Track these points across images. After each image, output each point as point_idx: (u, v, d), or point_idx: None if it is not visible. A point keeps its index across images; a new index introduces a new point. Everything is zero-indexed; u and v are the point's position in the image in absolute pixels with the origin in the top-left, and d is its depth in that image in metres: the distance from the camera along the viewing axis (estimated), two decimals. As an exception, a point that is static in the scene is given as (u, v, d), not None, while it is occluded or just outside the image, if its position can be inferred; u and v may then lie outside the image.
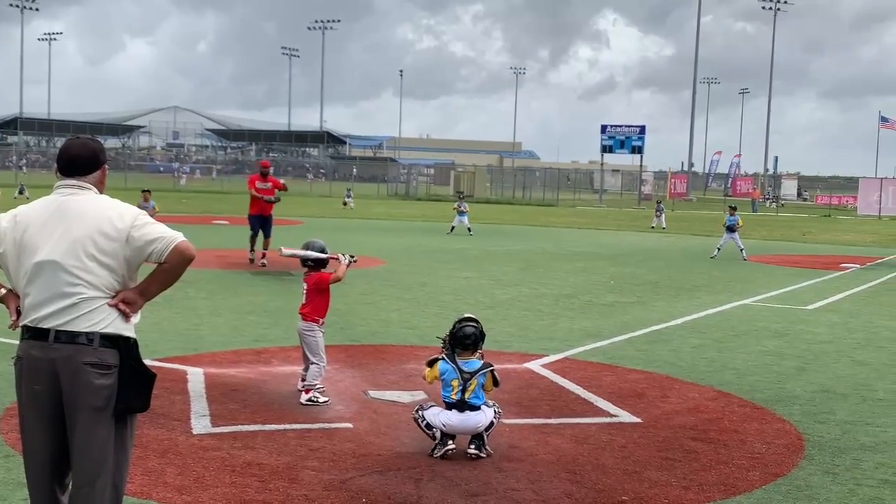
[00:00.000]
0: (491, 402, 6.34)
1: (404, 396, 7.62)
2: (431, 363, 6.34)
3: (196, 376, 8.06)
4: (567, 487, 5.56)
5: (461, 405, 6.15)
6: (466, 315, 6.52)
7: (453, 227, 29.26)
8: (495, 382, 6.32)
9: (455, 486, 5.51)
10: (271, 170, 19.10)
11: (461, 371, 6.20)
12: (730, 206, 25.37)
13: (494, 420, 6.26)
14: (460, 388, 6.17)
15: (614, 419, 7.20)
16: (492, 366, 6.32)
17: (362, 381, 8.14)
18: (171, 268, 3.81)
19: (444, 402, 6.22)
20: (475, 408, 6.17)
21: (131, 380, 3.77)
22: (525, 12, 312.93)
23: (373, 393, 7.72)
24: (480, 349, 6.38)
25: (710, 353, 10.10)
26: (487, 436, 6.23)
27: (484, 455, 6.13)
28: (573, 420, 7.13)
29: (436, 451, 6.12)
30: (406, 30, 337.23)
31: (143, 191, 22.08)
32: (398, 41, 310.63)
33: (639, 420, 7.17)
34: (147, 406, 3.87)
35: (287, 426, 6.63)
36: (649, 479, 5.75)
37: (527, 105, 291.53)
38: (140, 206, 20.90)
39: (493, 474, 5.74)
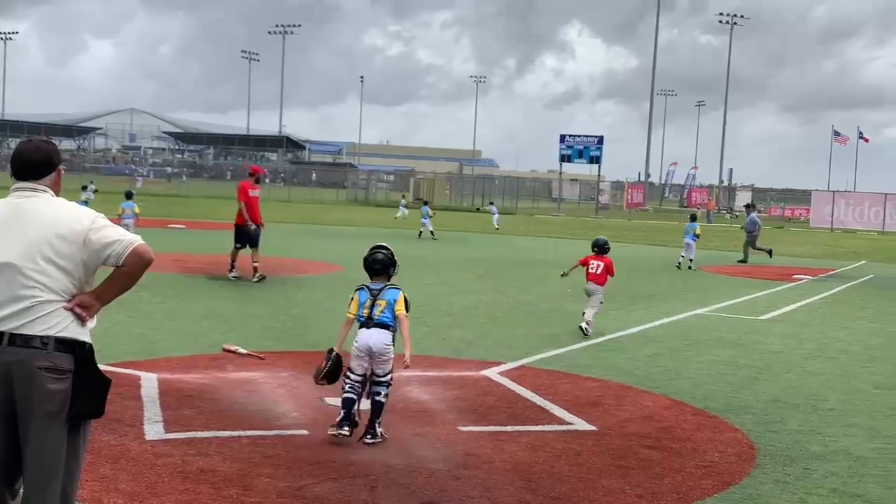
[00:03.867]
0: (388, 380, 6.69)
1: (361, 403, 7.58)
2: (350, 302, 6.80)
3: (150, 382, 7.98)
4: (522, 495, 5.58)
5: (369, 322, 6.63)
6: (378, 243, 7.04)
7: (421, 233, 29.92)
8: (406, 306, 6.76)
9: (410, 493, 5.51)
10: (266, 177, 18.45)
11: (370, 290, 6.72)
12: (691, 216, 25.77)
13: (384, 398, 6.62)
14: (372, 306, 6.64)
15: (570, 427, 7.24)
16: (398, 286, 6.79)
17: (319, 388, 8.08)
18: (130, 271, 3.78)
19: (359, 323, 6.70)
20: (383, 326, 6.62)
21: (86, 385, 3.73)
22: (493, 21, 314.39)
23: (329, 400, 7.68)
24: (393, 275, 6.87)
25: (665, 362, 10.20)
26: (379, 423, 6.57)
27: (380, 440, 6.48)
28: (529, 428, 7.16)
29: (330, 429, 6.54)
30: (373, 35, 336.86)
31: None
32: (365, 47, 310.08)
33: (594, 428, 7.22)
34: (102, 412, 3.83)
35: (241, 433, 6.58)
36: (604, 487, 5.79)
37: (491, 113, 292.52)
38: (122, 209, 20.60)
39: (448, 482, 5.75)
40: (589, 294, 12.17)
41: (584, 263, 12.42)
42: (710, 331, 12.70)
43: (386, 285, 6.77)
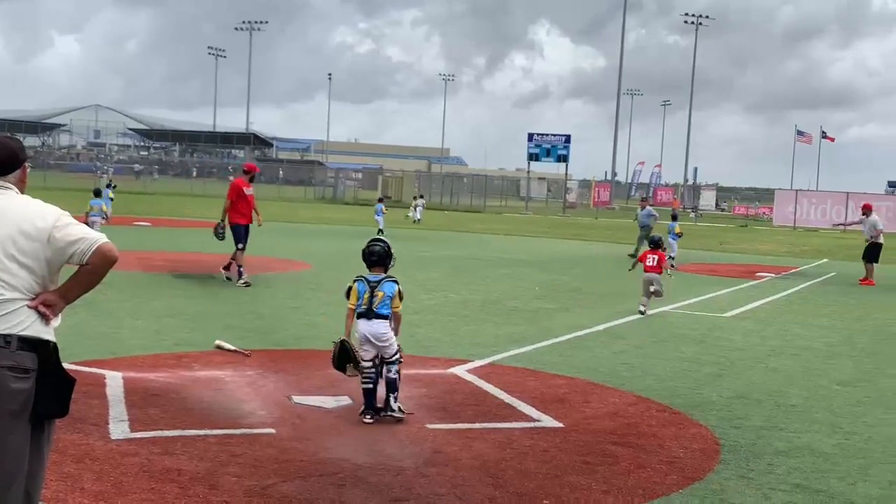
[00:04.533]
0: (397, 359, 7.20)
1: (328, 401, 7.58)
2: (348, 292, 7.22)
3: (115, 380, 7.91)
4: (490, 492, 5.60)
5: (369, 313, 7.10)
6: (375, 236, 7.69)
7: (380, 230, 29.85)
8: (400, 296, 7.26)
9: (378, 491, 5.51)
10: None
11: (369, 282, 7.17)
12: (672, 215, 25.98)
13: (395, 374, 7.17)
14: (369, 298, 7.10)
15: (537, 424, 7.28)
16: (395, 279, 7.27)
17: (286, 386, 8.08)
18: (94, 270, 3.75)
19: (357, 313, 7.15)
20: (382, 317, 7.12)
21: (50, 384, 3.69)
22: (463, 19, 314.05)
23: (296, 398, 7.67)
24: (390, 266, 7.35)
25: (631, 359, 10.28)
26: (396, 398, 7.13)
27: (399, 415, 7.05)
28: (497, 425, 7.19)
29: (364, 417, 7.03)
30: (342, 33, 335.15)
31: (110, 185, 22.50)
32: (334, 44, 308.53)
33: (561, 425, 7.27)
34: (66, 412, 3.79)
35: (208, 431, 6.55)
36: (570, 484, 5.83)
37: (460, 112, 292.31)
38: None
39: (416, 479, 5.76)
40: (649, 283, 14.09)
41: (643, 259, 14.60)
42: (674, 328, 12.82)
43: (384, 277, 7.24)
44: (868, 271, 21.56)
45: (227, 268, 15.54)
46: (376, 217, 31.96)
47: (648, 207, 27.05)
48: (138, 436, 6.35)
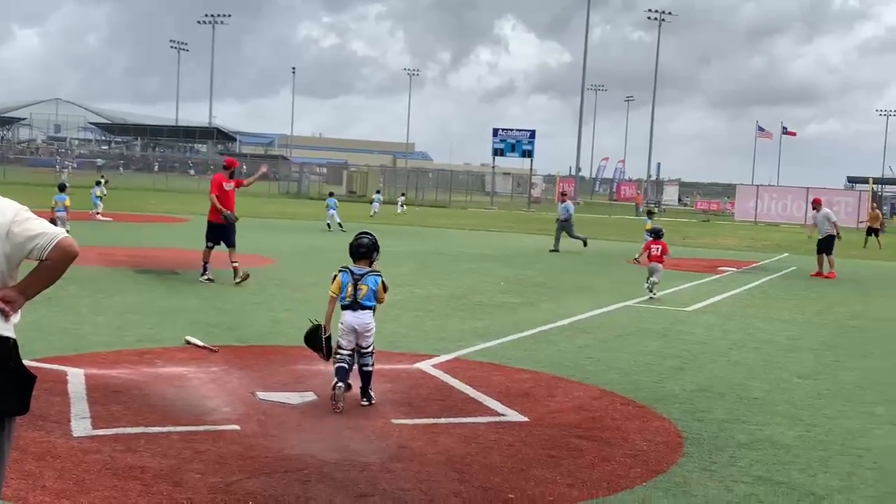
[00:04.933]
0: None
1: (293, 397, 7.55)
2: (333, 280, 7.50)
3: (76, 377, 7.82)
4: (455, 486, 5.61)
5: (354, 305, 7.39)
6: (363, 230, 7.87)
7: (329, 224, 30.12)
8: (385, 287, 7.60)
9: (343, 487, 5.50)
10: (243, 168, 16.86)
11: (353, 273, 7.43)
12: (648, 211, 26.12)
13: (371, 367, 7.50)
14: (354, 290, 7.38)
15: (502, 418, 7.30)
16: (379, 272, 7.57)
17: (250, 383, 8.04)
18: (54, 265, 3.70)
19: (342, 305, 7.42)
20: (367, 308, 7.44)
21: (10, 381, 3.64)
22: (429, 14, 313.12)
23: (261, 394, 7.63)
24: (375, 260, 7.62)
25: (595, 353, 10.34)
26: (371, 388, 7.47)
27: (368, 404, 7.35)
28: (462, 419, 7.20)
29: (336, 394, 7.20)
30: (307, 27, 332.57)
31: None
32: (299, 38, 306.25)
33: (526, 419, 7.29)
34: (26, 409, 3.74)
35: (171, 428, 6.50)
36: (535, 477, 5.86)
37: (426, 107, 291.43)
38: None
39: (381, 475, 5.76)
40: (652, 271, 15.86)
41: (647, 248, 16.28)
42: (638, 322, 12.91)
43: (368, 271, 7.53)
44: (829, 263, 21.81)
45: (235, 276, 14.78)
46: (330, 212, 30.85)
47: (568, 202, 27.43)
48: (101, 433, 6.28)
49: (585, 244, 26.26)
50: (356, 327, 7.40)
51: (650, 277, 15.73)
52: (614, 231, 39.09)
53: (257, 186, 50.57)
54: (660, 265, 15.90)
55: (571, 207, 27.37)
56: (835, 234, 22.05)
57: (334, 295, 7.53)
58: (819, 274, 21.67)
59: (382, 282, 7.58)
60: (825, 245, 22.02)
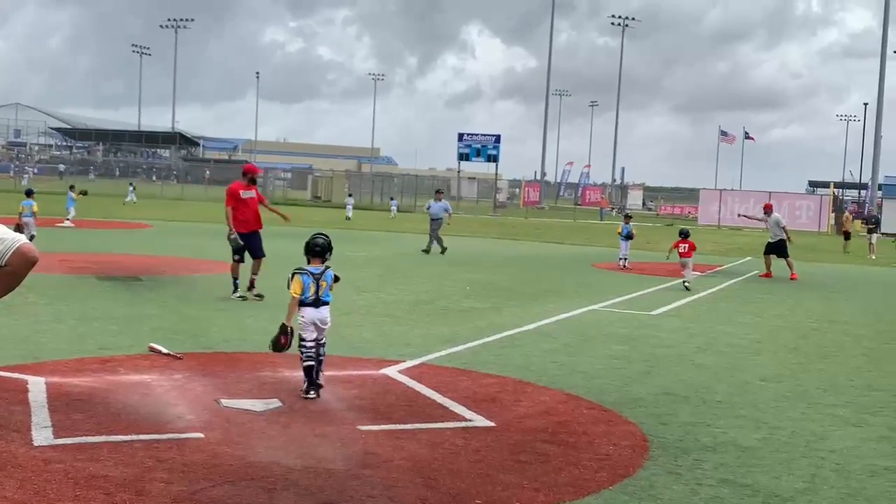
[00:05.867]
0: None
1: (258, 405, 7.49)
2: (290, 283, 7.95)
3: (37, 386, 7.70)
4: (422, 493, 5.59)
5: (316, 302, 7.93)
6: (317, 232, 8.40)
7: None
8: (336, 279, 8.17)
9: (309, 494, 5.46)
10: (260, 176, 14.60)
11: (313, 275, 7.97)
12: (625, 215, 26.25)
13: (324, 355, 8.01)
14: (315, 287, 7.90)
15: (469, 423, 7.29)
16: (329, 266, 8.13)
17: (214, 390, 7.96)
18: (14, 271, 3.65)
19: (303, 302, 7.89)
20: (325, 303, 7.99)
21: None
22: (395, 19, 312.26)
23: (225, 401, 7.56)
24: (328, 259, 8.15)
25: (561, 358, 10.37)
26: (322, 371, 7.97)
27: (316, 394, 7.80)
28: (429, 425, 7.18)
29: (308, 394, 7.77)
30: (272, 31, 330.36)
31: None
32: (264, 43, 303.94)
33: (492, 424, 7.29)
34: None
35: (134, 437, 6.41)
36: (502, 482, 5.85)
37: (392, 112, 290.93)
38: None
39: (348, 482, 5.72)
40: (684, 266, 19.06)
41: (676, 246, 19.44)
42: (603, 326, 12.97)
43: (325, 268, 8.07)
44: (789, 265, 22.62)
45: (250, 288, 14.03)
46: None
47: (443, 201, 27.19)
48: (62, 442, 6.19)
49: (443, 251, 25.23)
50: (317, 322, 7.93)
51: (685, 272, 18.93)
52: (579, 235, 39.30)
53: (221, 192, 50.38)
54: (689, 259, 19.07)
55: (445, 206, 26.81)
56: (785, 238, 22.84)
57: (297, 296, 7.90)
58: (767, 275, 22.59)
59: (335, 275, 8.17)
60: (776, 248, 22.97)
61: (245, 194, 14.20)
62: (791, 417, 8.09)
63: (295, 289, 7.90)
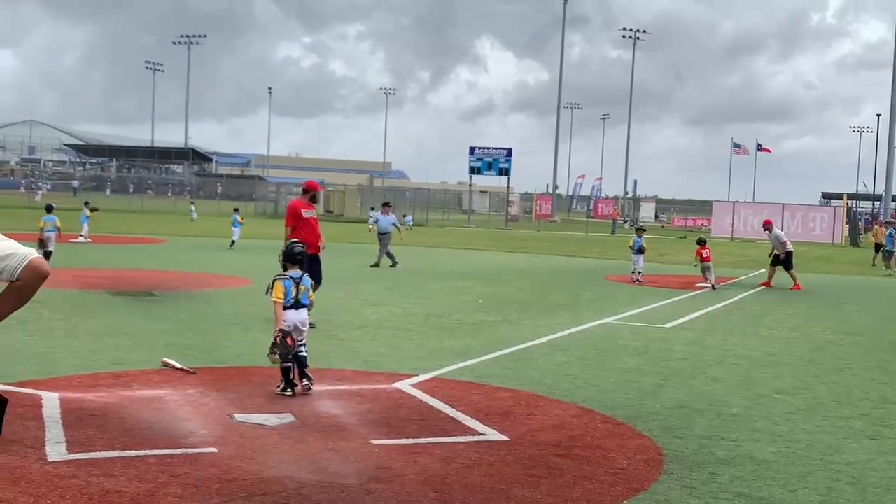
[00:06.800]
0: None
1: (271, 419, 7.49)
2: (270, 287, 8.56)
3: (51, 401, 7.72)
4: (435, 507, 5.56)
5: (296, 304, 8.56)
6: (293, 241, 9.32)
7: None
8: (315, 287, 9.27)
9: (323, 509, 5.44)
10: (321, 194, 14.14)
11: (293, 279, 8.61)
12: (637, 228, 26.18)
13: (306, 352, 8.60)
14: (295, 291, 8.55)
15: (482, 437, 7.27)
16: (307, 274, 8.80)
17: (228, 404, 7.97)
18: (25, 285, 3.66)
19: (284, 305, 8.49)
20: (304, 305, 8.65)
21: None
22: (408, 34, 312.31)
23: (238, 416, 7.56)
24: (304, 263, 8.88)
25: (574, 371, 10.33)
26: (306, 369, 8.51)
27: (309, 384, 8.42)
28: (442, 439, 7.16)
29: (279, 388, 8.37)
30: (286, 47, 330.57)
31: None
32: (278, 58, 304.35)
33: (506, 438, 7.26)
34: (-2, 433, 3.69)
35: (148, 452, 6.42)
36: (516, 497, 5.82)
37: (404, 126, 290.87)
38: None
39: (361, 496, 5.71)
40: (707, 269, 22.02)
41: (699, 254, 22.31)
42: (616, 339, 12.93)
43: (302, 274, 8.72)
44: (792, 277, 23.04)
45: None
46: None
47: (391, 214, 26.83)
48: (76, 457, 6.19)
49: (394, 264, 24.76)
50: (298, 324, 8.53)
51: (708, 275, 21.88)
52: (592, 248, 39.25)
53: (232, 207, 50.66)
54: (711, 264, 22.16)
55: (393, 220, 26.48)
56: (788, 251, 23.29)
57: (280, 300, 8.50)
58: (766, 284, 23.15)
59: (312, 282, 8.98)
60: (779, 260, 23.41)
61: (306, 213, 13.18)
62: (806, 430, 8.03)
63: (276, 294, 8.52)
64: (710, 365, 11.21)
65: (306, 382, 8.45)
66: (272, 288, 8.56)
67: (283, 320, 8.42)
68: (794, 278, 22.98)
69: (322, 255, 13.13)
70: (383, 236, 25.54)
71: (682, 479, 6.38)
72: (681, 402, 8.91)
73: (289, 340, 8.35)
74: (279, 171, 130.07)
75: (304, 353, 8.54)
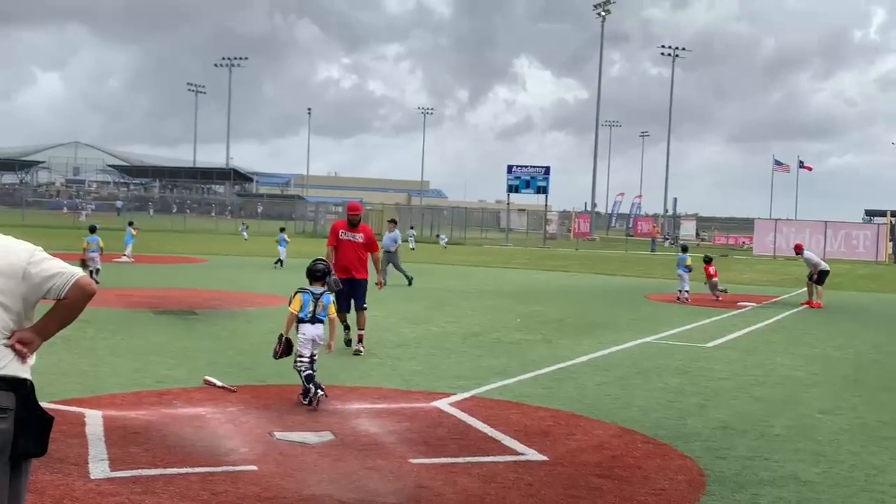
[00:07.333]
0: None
1: (310, 437, 7.52)
2: (291, 300, 8.98)
3: (94, 419, 7.82)
4: (474, 527, 5.55)
5: (313, 319, 8.90)
6: (317, 258, 9.62)
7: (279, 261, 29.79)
8: (335, 303, 9.46)
9: (362, 527, 5.45)
10: (360, 216, 12.71)
11: (314, 294, 8.99)
12: (683, 247, 26.04)
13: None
14: (314, 306, 8.91)
15: (521, 457, 7.24)
16: (328, 292, 9.19)
17: (268, 422, 8.02)
18: (72, 304, 3.71)
19: (301, 318, 8.89)
20: (320, 321, 8.96)
21: (28, 423, 3.64)
22: (447, 53, 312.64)
23: (278, 434, 7.60)
24: (327, 281, 9.28)
25: (614, 391, 10.26)
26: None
27: (308, 404, 8.63)
28: (481, 459, 7.14)
29: (305, 399, 8.67)
30: (326, 68, 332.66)
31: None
32: (318, 79, 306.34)
33: (545, 458, 7.23)
34: (45, 451, 3.74)
35: (189, 470, 6.47)
36: (556, 517, 5.78)
37: (442, 145, 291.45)
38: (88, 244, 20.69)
39: (400, 515, 5.70)
40: (715, 284, 23.20)
41: (707, 270, 23.18)
42: (657, 359, 12.82)
43: (323, 290, 9.08)
44: (817, 294, 22.79)
45: (359, 340, 12.28)
46: (280, 248, 30.71)
47: (395, 231, 25.61)
48: (119, 475, 6.27)
49: (410, 283, 24.06)
50: (315, 338, 8.88)
51: (716, 289, 23.16)
52: (631, 266, 39.00)
53: (273, 226, 51.14)
54: (716, 280, 23.40)
55: (399, 237, 25.68)
56: (823, 270, 22.98)
57: (295, 312, 8.90)
58: (809, 303, 22.74)
59: (333, 300, 9.27)
60: (818, 277, 23.08)
61: (344, 235, 12.38)
62: (851, 451, 7.90)
63: (294, 306, 8.92)
64: (752, 384, 11.08)
65: (306, 401, 8.74)
66: (292, 299, 9.00)
67: (302, 334, 8.85)
68: (819, 295, 22.65)
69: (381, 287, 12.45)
70: (386, 254, 24.93)
71: (724, 499, 6.30)
72: (723, 423, 8.81)
73: (276, 348, 8.89)
74: (318, 191, 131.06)
75: (314, 371, 8.85)
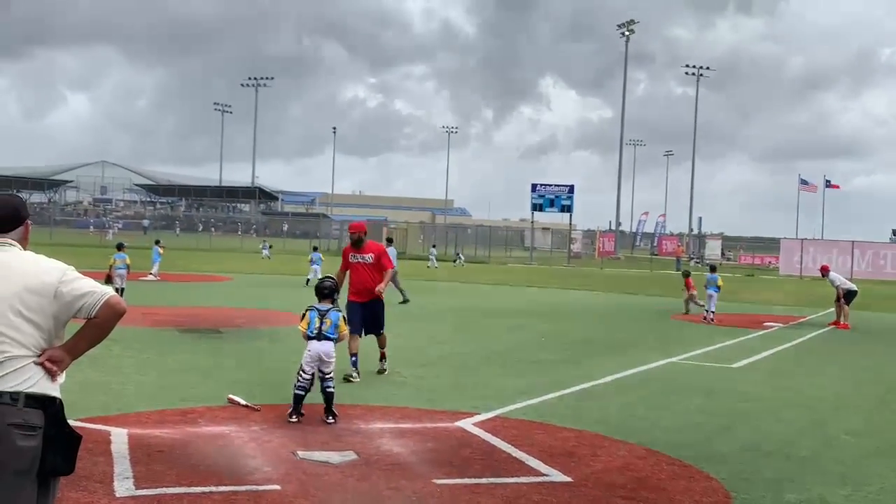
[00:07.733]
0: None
1: (334, 457, 7.53)
2: (302, 318, 9.06)
3: (120, 437, 7.87)
4: (498, 548, 5.52)
5: (319, 336, 8.90)
6: (325, 276, 9.96)
7: (308, 280, 29.41)
8: (345, 320, 9.30)
9: (385, 548, 5.44)
10: (365, 236, 12.02)
11: (319, 311, 9.01)
12: (711, 266, 25.98)
13: (333, 388, 8.94)
14: (320, 323, 8.91)
15: (545, 478, 7.21)
16: (340, 309, 9.25)
17: (291, 442, 8.03)
18: (102, 322, 3.75)
19: (308, 335, 8.93)
20: (328, 338, 8.92)
21: (56, 442, 3.68)
22: (473, 73, 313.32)
23: (301, 453, 7.61)
24: (336, 298, 9.35)
25: (639, 411, 10.20)
26: (334, 406, 8.87)
27: (333, 421, 8.72)
28: (505, 480, 7.12)
29: (291, 417, 8.77)
30: (352, 88, 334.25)
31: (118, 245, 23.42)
32: (344, 99, 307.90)
33: (569, 479, 7.19)
34: (72, 469, 3.77)
35: (213, 488, 6.49)
36: (580, 539, 5.75)
37: (467, 164, 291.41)
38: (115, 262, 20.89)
39: (423, 536, 5.69)
40: (694, 297, 24.07)
41: (688, 284, 24.27)
42: (683, 379, 12.73)
43: (331, 307, 9.08)
44: (844, 314, 22.43)
45: (381, 358, 12.18)
46: (314, 266, 30.21)
47: (392, 248, 24.58)
48: (143, 493, 6.30)
49: (405, 301, 23.54)
50: (321, 355, 8.86)
51: (694, 301, 23.98)
52: (656, 286, 38.80)
53: (299, 244, 51.37)
54: (695, 293, 24.10)
55: (394, 255, 25.76)
56: (849, 290, 22.71)
57: (304, 330, 9.00)
58: (836, 323, 22.39)
59: (343, 317, 9.20)
60: (846, 297, 22.77)
61: (353, 258, 11.86)
62: (879, 473, 7.81)
63: (302, 325, 9.05)
64: (778, 406, 10.98)
65: (330, 419, 8.80)
66: (302, 319, 9.14)
67: (308, 350, 8.93)
68: (844, 316, 22.38)
69: (382, 295, 11.71)
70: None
71: (750, 523, 6.23)
72: (749, 444, 8.73)
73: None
74: (343, 209, 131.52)
75: (331, 390, 8.87)
